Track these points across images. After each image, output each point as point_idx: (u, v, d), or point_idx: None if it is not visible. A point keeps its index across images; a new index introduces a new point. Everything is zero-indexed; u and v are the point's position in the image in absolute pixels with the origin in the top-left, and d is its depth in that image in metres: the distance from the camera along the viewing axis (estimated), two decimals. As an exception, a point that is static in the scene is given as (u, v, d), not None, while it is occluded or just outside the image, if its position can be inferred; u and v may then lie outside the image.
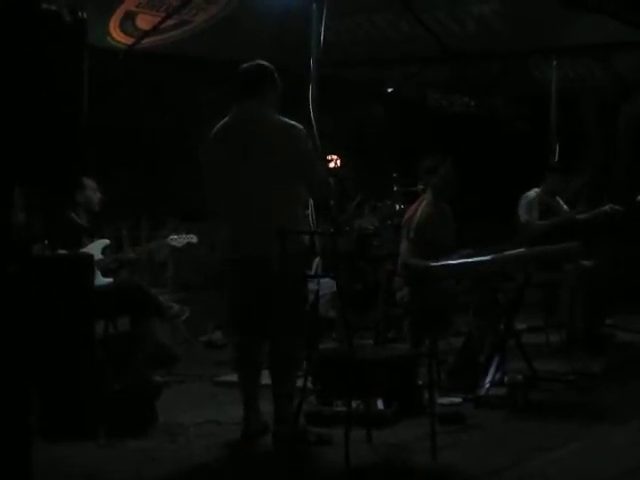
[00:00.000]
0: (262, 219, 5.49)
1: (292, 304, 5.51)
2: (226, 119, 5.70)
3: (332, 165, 9.82)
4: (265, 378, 5.81)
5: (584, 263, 8.11)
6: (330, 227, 7.69)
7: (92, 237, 7.16)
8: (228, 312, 5.94)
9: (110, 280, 7.06)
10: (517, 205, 8.65)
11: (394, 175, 9.67)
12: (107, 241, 7.26)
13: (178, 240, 7.42)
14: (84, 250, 6.96)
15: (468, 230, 8.29)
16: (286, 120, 5.58)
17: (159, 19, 7.77)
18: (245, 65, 5.73)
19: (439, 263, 6.71)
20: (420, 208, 7.33)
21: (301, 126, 5.58)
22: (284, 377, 5.58)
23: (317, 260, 7.75)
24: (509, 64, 10.12)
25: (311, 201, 6.77)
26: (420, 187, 8.47)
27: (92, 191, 7.19)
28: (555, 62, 9.77)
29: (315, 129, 6.61)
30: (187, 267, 10.52)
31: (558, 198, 8.71)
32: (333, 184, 5.88)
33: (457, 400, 6.43)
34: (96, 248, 7.07)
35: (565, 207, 8.72)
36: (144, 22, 7.79)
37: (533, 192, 8.57)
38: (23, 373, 4.01)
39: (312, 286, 7.42)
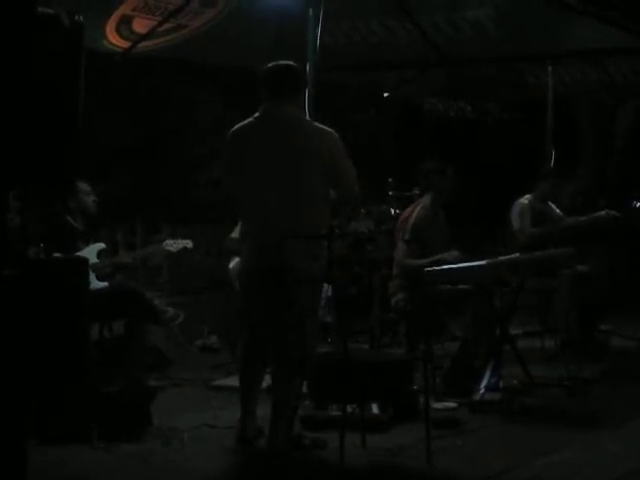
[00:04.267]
0: (291, 224, 5.40)
1: (309, 309, 5.48)
2: (252, 119, 5.60)
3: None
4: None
5: (579, 268, 8.12)
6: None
7: (87, 241, 7.16)
8: (239, 314, 5.91)
9: (105, 284, 7.06)
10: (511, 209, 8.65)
11: (389, 180, 9.67)
12: (102, 245, 7.26)
13: (174, 245, 7.42)
14: (79, 254, 6.96)
15: (462, 234, 8.30)
16: (319, 124, 5.55)
17: (156, 23, 7.76)
18: (273, 65, 5.66)
19: (434, 268, 6.72)
20: (416, 210, 7.36)
21: (333, 131, 5.53)
22: (288, 381, 5.55)
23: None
24: (504, 69, 10.13)
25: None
26: (415, 192, 8.49)
27: (86, 195, 7.18)
28: (550, 67, 9.78)
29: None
30: (182, 271, 10.52)
31: (550, 203, 8.70)
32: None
33: (452, 405, 6.43)
34: (91, 252, 7.06)
35: (558, 212, 8.71)
36: (141, 26, 7.78)
37: (524, 199, 8.57)
38: (18, 376, 4.01)
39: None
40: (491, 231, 10.61)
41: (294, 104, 5.57)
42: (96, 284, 6.90)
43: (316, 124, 5.58)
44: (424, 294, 6.97)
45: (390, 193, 9.54)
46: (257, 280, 5.56)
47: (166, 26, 7.86)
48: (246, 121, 5.63)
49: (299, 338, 5.44)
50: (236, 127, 5.64)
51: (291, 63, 5.69)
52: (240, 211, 5.73)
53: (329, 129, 5.53)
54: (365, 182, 11.42)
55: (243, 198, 5.63)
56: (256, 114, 5.61)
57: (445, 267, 6.73)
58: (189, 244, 7.50)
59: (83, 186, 7.15)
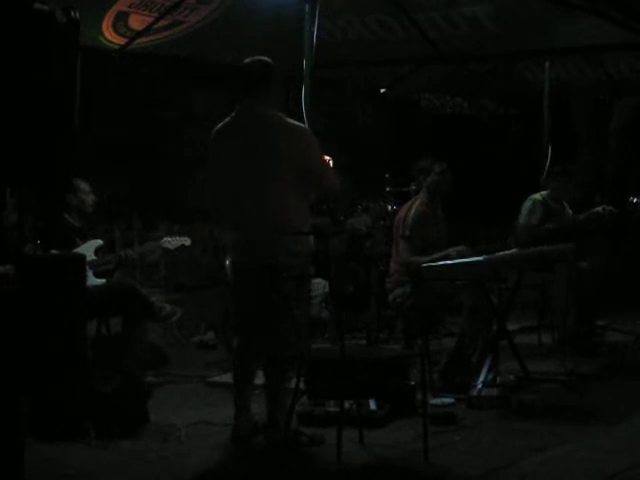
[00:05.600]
0: (268, 220, 5.44)
1: (296, 306, 5.46)
2: (229, 117, 5.64)
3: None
4: (257, 379, 5.82)
5: (577, 264, 8.12)
6: (330, 224, 7.68)
7: (85, 238, 7.15)
8: (232, 312, 5.92)
9: (102, 281, 7.05)
10: (509, 206, 8.64)
11: (386, 176, 9.67)
12: (100, 242, 7.25)
13: (171, 242, 7.41)
14: (77, 251, 6.95)
15: (459, 231, 8.29)
16: (292, 121, 5.54)
17: (152, 19, 7.75)
18: (247, 61, 5.67)
19: (432, 264, 6.72)
20: (414, 207, 7.36)
21: (307, 127, 5.53)
22: (280, 378, 5.57)
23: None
24: (501, 65, 10.13)
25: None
26: (412, 188, 8.48)
27: (85, 194, 7.18)
28: (547, 63, 9.77)
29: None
30: (180, 268, 10.52)
31: (564, 202, 8.69)
32: (340, 184, 5.77)
33: (449, 401, 6.44)
34: (89, 249, 7.06)
35: (570, 211, 8.70)
36: (137, 22, 7.76)
37: (538, 195, 8.54)
38: (15, 374, 4.01)
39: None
40: (488, 227, 10.62)
41: (266, 101, 5.56)
42: (93, 281, 6.90)
43: (289, 121, 5.54)
44: (427, 290, 6.97)
45: (387, 189, 9.54)
46: (241, 277, 5.64)
47: (162, 22, 7.85)
48: (225, 120, 5.66)
49: (288, 334, 5.45)
50: (217, 126, 5.68)
51: (263, 59, 5.68)
52: (221, 209, 5.76)
53: (301, 125, 5.56)
54: (362, 178, 11.48)
55: (222, 196, 5.67)
56: (233, 112, 5.64)
57: (442, 263, 6.73)
58: (187, 241, 7.50)
59: (83, 185, 7.15)
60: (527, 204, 8.52)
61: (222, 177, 5.62)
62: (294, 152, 5.41)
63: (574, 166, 9.80)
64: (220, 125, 5.66)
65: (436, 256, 7.01)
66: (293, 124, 5.53)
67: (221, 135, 5.63)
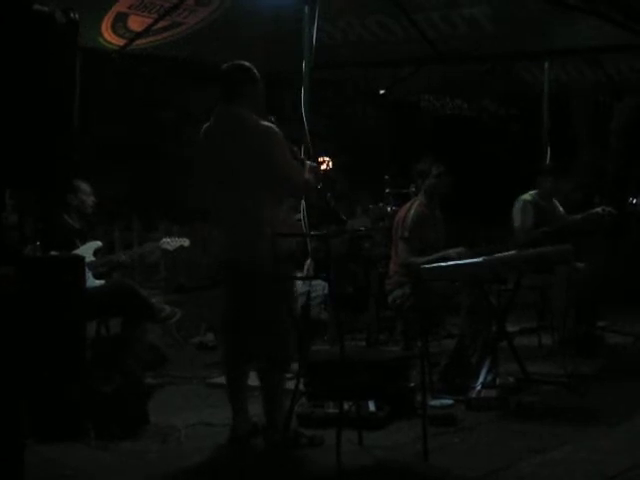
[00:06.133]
0: (240, 222, 5.50)
1: (275, 306, 5.48)
2: (209, 122, 5.70)
3: (324, 167, 9.83)
4: (252, 380, 5.82)
5: (576, 265, 8.11)
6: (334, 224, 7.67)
7: (84, 239, 7.15)
8: (221, 312, 5.95)
9: (102, 282, 7.05)
10: (509, 207, 8.63)
11: (386, 177, 9.68)
12: (99, 243, 7.25)
13: (170, 243, 7.42)
14: (76, 252, 6.95)
15: (459, 232, 8.30)
16: (261, 122, 5.53)
17: (151, 21, 7.76)
18: (224, 66, 5.71)
19: (431, 265, 6.72)
20: (413, 208, 7.36)
21: (274, 127, 5.51)
22: (271, 379, 5.58)
23: (309, 262, 7.74)
24: (500, 66, 10.13)
25: (303, 203, 6.77)
26: (412, 189, 8.48)
27: (86, 195, 7.18)
28: (546, 64, 9.78)
29: (307, 131, 6.60)
30: (179, 269, 10.53)
31: (555, 201, 8.69)
32: (314, 182, 5.76)
33: (449, 402, 6.43)
34: (88, 250, 7.06)
35: (561, 210, 8.71)
36: (136, 24, 7.77)
37: (528, 195, 8.55)
38: (15, 375, 4.00)
39: (304, 288, 7.44)
40: (487, 227, 10.63)
41: (243, 104, 5.58)
42: (93, 282, 6.90)
43: (260, 123, 5.53)
44: (426, 291, 6.97)
45: (387, 190, 9.55)
46: (225, 277, 5.72)
47: (161, 24, 7.86)
48: (206, 123, 5.72)
49: (282, 335, 5.46)
50: (202, 129, 5.73)
51: (241, 63, 5.70)
52: (208, 211, 5.86)
53: (268, 125, 5.51)
54: (362, 179, 11.48)
55: (207, 198, 5.74)
56: (212, 116, 5.71)
57: (442, 264, 6.73)
58: (186, 242, 7.50)
59: (84, 186, 7.15)
60: (517, 206, 8.53)
61: (205, 180, 5.72)
62: (263, 154, 5.45)
63: (570, 165, 9.81)
64: (203, 128, 5.72)
65: (434, 257, 7.02)
66: (260, 125, 5.52)
67: (203, 139, 5.70)
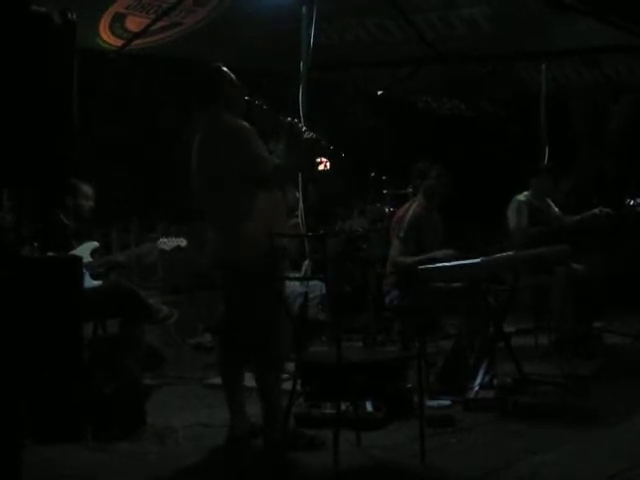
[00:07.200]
0: (222, 222, 5.53)
1: (263, 304, 5.46)
2: (199, 130, 5.70)
3: (321, 168, 9.83)
4: (248, 381, 5.82)
5: (573, 266, 8.12)
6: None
7: (80, 240, 7.13)
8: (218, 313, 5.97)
9: (99, 282, 7.04)
10: (506, 206, 8.64)
11: (384, 178, 9.68)
12: (96, 243, 7.24)
13: (167, 243, 7.40)
14: (73, 252, 6.94)
15: (457, 233, 8.30)
16: (236, 121, 5.52)
17: (149, 21, 7.76)
18: (199, 69, 5.75)
19: (429, 266, 6.72)
20: (411, 209, 7.37)
21: (240, 123, 5.48)
22: (266, 379, 5.57)
23: (306, 262, 7.75)
24: (499, 67, 10.14)
25: (300, 204, 6.79)
26: (410, 190, 8.49)
27: (85, 199, 7.15)
28: (544, 65, 9.78)
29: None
30: (177, 270, 10.51)
31: (549, 201, 8.70)
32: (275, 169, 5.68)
33: (446, 403, 6.44)
34: (85, 250, 7.04)
35: (556, 209, 8.71)
36: (134, 24, 7.77)
37: (522, 196, 8.56)
38: (12, 376, 4.00)
39: (301, 288, 7.44)
40: (486, 228, 10.62)
41: (216, 106, 5.58)
42: (90, 283, 6.89)
43: (233, 122, 5.51)
44: (417, 291, 6.97)
45: (385, 191, 9.55)
46: (217, 278, 5.75)
47: (159, 24, 7.85)
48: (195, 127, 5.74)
49: (264, 334, 5.46)
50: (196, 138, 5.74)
51: (210, 66, 5.70)
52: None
53: (237, 123, 5.49)
54: (360, 179, 11.48)
55: (196, 200, 5.76)
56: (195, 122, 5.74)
57: (439, 265, 6.73)
58: (183, 242, 7.49)
59: (85, 188, 7.12)
60: (512, 206, 8.53)
61: (194, 183, 5.69)
62: (229, 153, 5.43)
63: (568, 165, 9.81)
64: (196, 138, 5.71)
65: (421, 258, 7.03)
66: (230, 124, 5.51)
67: (193, 143, 5.70)
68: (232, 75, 5.66)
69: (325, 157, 5.61)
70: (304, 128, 5.73)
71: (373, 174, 9.69)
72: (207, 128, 5.61)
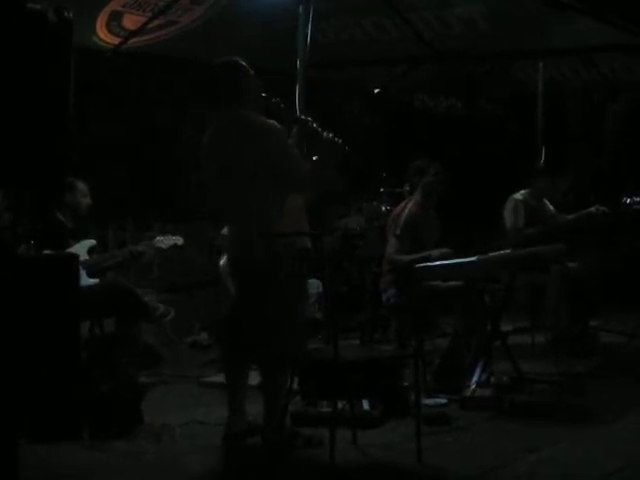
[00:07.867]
0: (240, 222, 5.48)
1: (279, 305, 5.43)
2: (212, 126, 5.58)
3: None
4: (251, 379, 5.81)
5: (569, 265, 8.13)
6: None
7: (77, 238, 7.13)
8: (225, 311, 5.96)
9: (96, 281, 7.04)
10: (502, 208, 8.64)
11: (384, 175, 9.67)
12: (93, 242, 7.24)
13: (164, 242, 7.40)
14: (70, 250, 6.94)
15: (454, 232, 8.30)
16: (262, 119, 5.44)
17: (145, 19, 7.76)
18: (217, 64, 5.62)
19: (425, 264, 6.73)
20: (408, 207, 7.37)
21: (274, 123, 5.39)
22: (273, 378, 5.56)
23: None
24: (496, 66, 10.14)
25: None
26: (406, 188, 8.49)
27: (82, 195, 7.15)
28: (542, 64, 9.79)
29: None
30: (173, 268, 10.51)
31: (545, 200, 8.70)
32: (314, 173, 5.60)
33: (443, 401, 6.44)
34: (82, 249, 7.04)
35: (552, 209, 8.72)
36: (130, 22, 7.77)
37: (519, 195, 8.56)
38: (8, 375, 4.00)
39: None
40: (483, 227, 10.62)
41: (241, 103, 5.48)
42: (86, 281, 6.88)
43: (258, 120, 5.42)
44: (413, 289, 6.98)
45: (381, 190, 9.54)
46: (232, 276, 5.78)
47: (156, 22, 7.85)
48: (212, 125, 5.60)
49: (279, 335, 5.43)
50: (207, 133, 5.62)
51: (227, 60, 5.61)
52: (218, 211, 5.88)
53: (267, 123, 5.39)
54: (356, 178, 11.48)
55: (213, 199, 5.71)
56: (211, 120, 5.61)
57: (436, 263, 6.73)
58: (179, 241, 7.49)
59: (81, 186, 7.12)
60: (509, 205, 8.54)
61: (211, 183, 5.61)
62: (262, 152, 5.33)
63: (564, 164, 9.81)
64: (208, 131, 5.60)
65: (416, 257, 7.02)
66: (259, 123, 5.41)
67: (206, 140, 5.58)
68: (251, 70, 5.60)
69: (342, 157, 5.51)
70: (320, 128, 5.68)
71: (384, 174, 9.67)
72: (230, 126, 5.45)
